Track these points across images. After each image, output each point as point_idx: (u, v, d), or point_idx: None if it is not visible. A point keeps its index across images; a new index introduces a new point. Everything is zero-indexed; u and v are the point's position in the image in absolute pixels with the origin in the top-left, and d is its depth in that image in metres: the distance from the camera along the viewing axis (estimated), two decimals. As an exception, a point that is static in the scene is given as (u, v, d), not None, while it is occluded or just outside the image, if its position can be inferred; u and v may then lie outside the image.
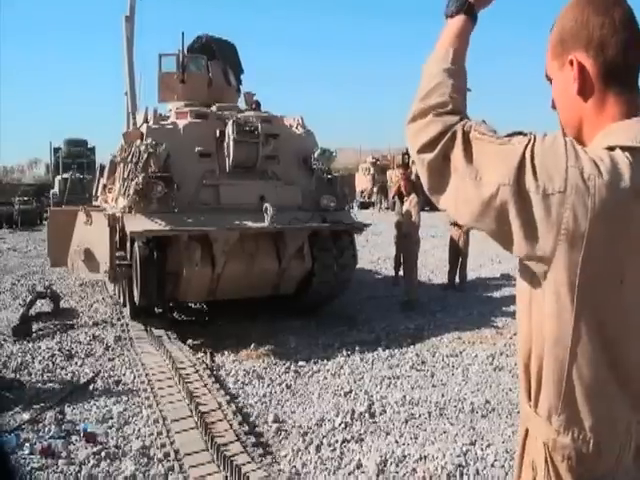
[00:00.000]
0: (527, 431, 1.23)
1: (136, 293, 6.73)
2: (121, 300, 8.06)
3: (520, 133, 1.12)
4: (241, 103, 8.98)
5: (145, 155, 6.53)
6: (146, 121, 7.37)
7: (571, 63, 1.17)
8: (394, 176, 9.81)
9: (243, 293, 7.07)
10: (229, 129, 6.90)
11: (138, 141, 7.00)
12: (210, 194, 6.81)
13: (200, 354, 5.98)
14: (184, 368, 5.35)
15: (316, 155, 7.32)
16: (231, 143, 6.84)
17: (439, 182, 1.18)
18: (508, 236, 1.10)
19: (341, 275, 7.28)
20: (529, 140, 1.08)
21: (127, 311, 7.48)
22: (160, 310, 7.37)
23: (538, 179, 1.04)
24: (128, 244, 6.99)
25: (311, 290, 7.26)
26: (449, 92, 1.21)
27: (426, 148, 1.18)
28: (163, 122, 7.33)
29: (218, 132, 7.07)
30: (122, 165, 7.59)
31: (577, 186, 1.02)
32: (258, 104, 8.43)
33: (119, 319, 7.54)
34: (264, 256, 6.81)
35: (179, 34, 8.39)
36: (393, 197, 9.43)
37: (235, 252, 6.55)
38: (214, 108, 7.63)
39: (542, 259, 1.07)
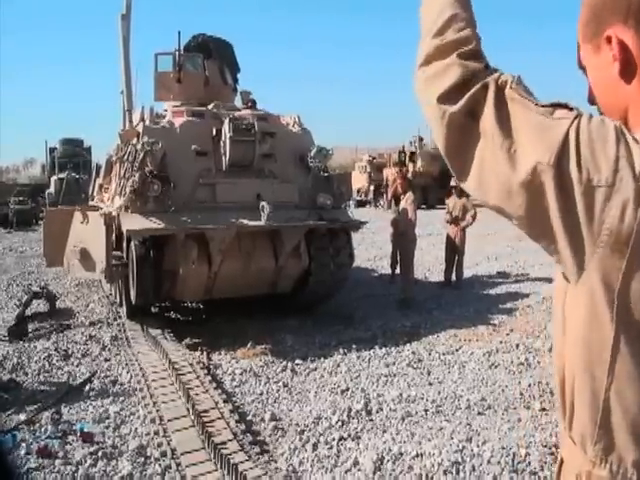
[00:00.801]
0: (563, 460, 1.05)
1: (132, 292, 6.72)
2: (117, 300, 8.05)
3: (565, 106, 0.93)
4: (237, 102, 8.96)
5: (141, 154, 6.50)
6: (142, 120, 7.33)
7: (609, 41, 0.97)
8: (390, 174, 9.78)
9: (240, 292, 7.06)
10: (225, 127, 6.88)
11: (134, 140, 6.99)
12: (206, 193, 6.79)
13: (196, 353, 5.97)
14: (180, 367, 5.35)
15: (312, 153, 7.30)
16: (227, 141, 6.82)
17: (459, 142, 0.98)
18: (537, 224, 0.94)
19: (337, 274, 7.29)
20: (575, 117, 0.90)
21: (124, 311, 7.46)
22: (156, 309, 7.36)
23: (582, 166, 0.87)
24: (124, 243, 6.98)
25: (308, 289, 7.26)
26: (468, 26, 1.01)
27: (448, 97, 0.97)
28: (159, 121, 7.31)
29: (214, 131, 7.04)
30: (118, 164, 7.57)
31: (627, 181, 0.85)
32: (254, 102, 8.41)
33: (115, 319, 7.53)
34: (261, 254, 6.80)
35: (175, 33, 8.38)
36: (390, 199, 9.42)
37: (232, 250, 6.54)
38: (210, 107, 7.61)
39: (577, 258, 0.91)
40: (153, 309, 7.50)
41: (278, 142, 7.27)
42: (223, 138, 6.92)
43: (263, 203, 6.49)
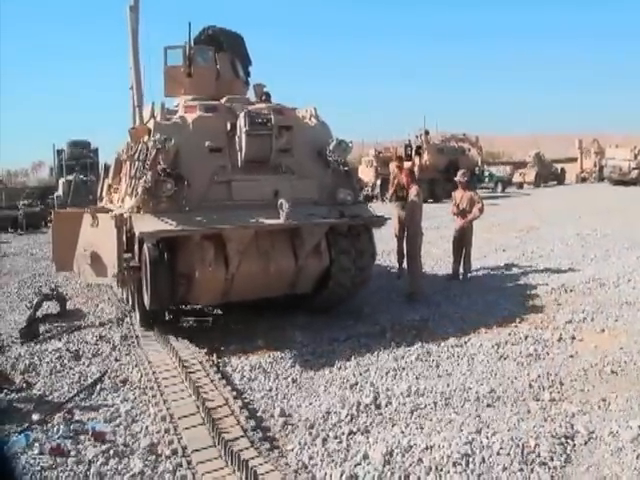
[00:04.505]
0: None
1: (146, 297, 6.45)
2: (130, 305, 7.84)
3: None
4: (250, 96, 8.59)
5: (153, 151, 6.16)
6: (153, 116, 6.99)
7: None
8: (395, 168, 9.66)
9: (258, 293, 6.80)
10: (241, 122, 6.52)
11: (145, 137, 6.72)
12: (222, 191, 6.48)
13: (206, 350, 5.99)
14: (190, 365, 5.38)
15: (332, 147, 6.96)
16: (243, 136, 6.49)
17: None
18: None
19: (359, 276, 7.06)
20: None
21: (136, 317, 7.24)
22: (171, 316, 7.22)
23: None
24: (136, 246, 6.72)
25: (328, 291, 7.00)
26: None
27: None
28: (171, 117, 6.96)
29: (229, 125, 6.72)
30: (129, 163, 7.32)
31: None
32: (268, 96, 8.06)
33: (125, 317, 7.59)
34: (280, 254, 6.52)
35: (185, 26, 8.04)
36: (391, 196, 9.31)
37: (249, 251, 6.28)
38: (224, 101, 7.26)
39: None
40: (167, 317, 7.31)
41: (295, 136, 6.89)
42: (238, 133, 6.58)
43: (282, 200, 6.19)
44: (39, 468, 3.80)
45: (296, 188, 6.67)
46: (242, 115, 6.55)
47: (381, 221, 7.16)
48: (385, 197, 28.57)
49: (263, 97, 8.03)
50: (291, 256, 6.56)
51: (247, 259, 6.27)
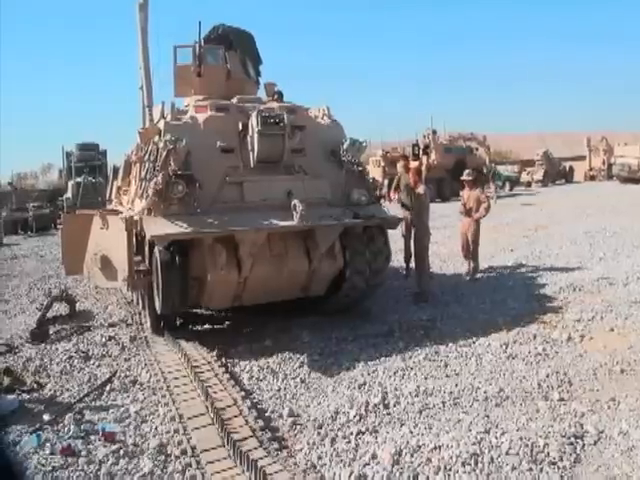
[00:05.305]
0: None
1: (157, 301, 6.32)
2: (140, 308, 7.81)
3: None
4: (261, 95, 8.50)
5: (164, 152, 6.04)
6: (163, 116, 6.87)
7: None
8: (399, 167, 9.62)
9: (271, 297, 6.70)
10: (253, 121, 6.40)
11: (156, 138, 6.60)
12: (234, 192, 6.35)
13: (214, 351, 6.01)
14: (199, 366, 5.41)
15: (345, 146, 6.88)
16: (255, 136, 6.36)
17: None
18: None
19: (373, 280, 7.00)
20: None
21: (147, 321, 7.19)
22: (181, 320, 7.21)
23: None
24: (147, 249, 6.64)
25: (343, 291, 6.91)
26: None
27: None
28: (181, 117, 6.85)
29: (240, 125, 6.61)
30: (139, 165, 7.24)
31: None
32: (280, 95, 7.94)
33: (133, 316, 7.62)
34: (293, 256, 6.41)
35: (194, 24, 7.85)
36: (393, 193, 9.27)
37: (262, 253, 6.17)
38: (235, 100, 7.21)
39: None
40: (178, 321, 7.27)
41: (308, 136, 6.82)
42: (250, 133, 6.48)
43: (295, 201, 6.05)
44: (50, 468, 3.84)
45: (309, 189, 6.56)
46: (254, 115, 6.42)
47: (396, 221, 7.09)
48: (393, 196, 28.62)
49: (275, 96, 7.91)
50: (304, 258, 6.46)
51: (260, 262, 6.18)
